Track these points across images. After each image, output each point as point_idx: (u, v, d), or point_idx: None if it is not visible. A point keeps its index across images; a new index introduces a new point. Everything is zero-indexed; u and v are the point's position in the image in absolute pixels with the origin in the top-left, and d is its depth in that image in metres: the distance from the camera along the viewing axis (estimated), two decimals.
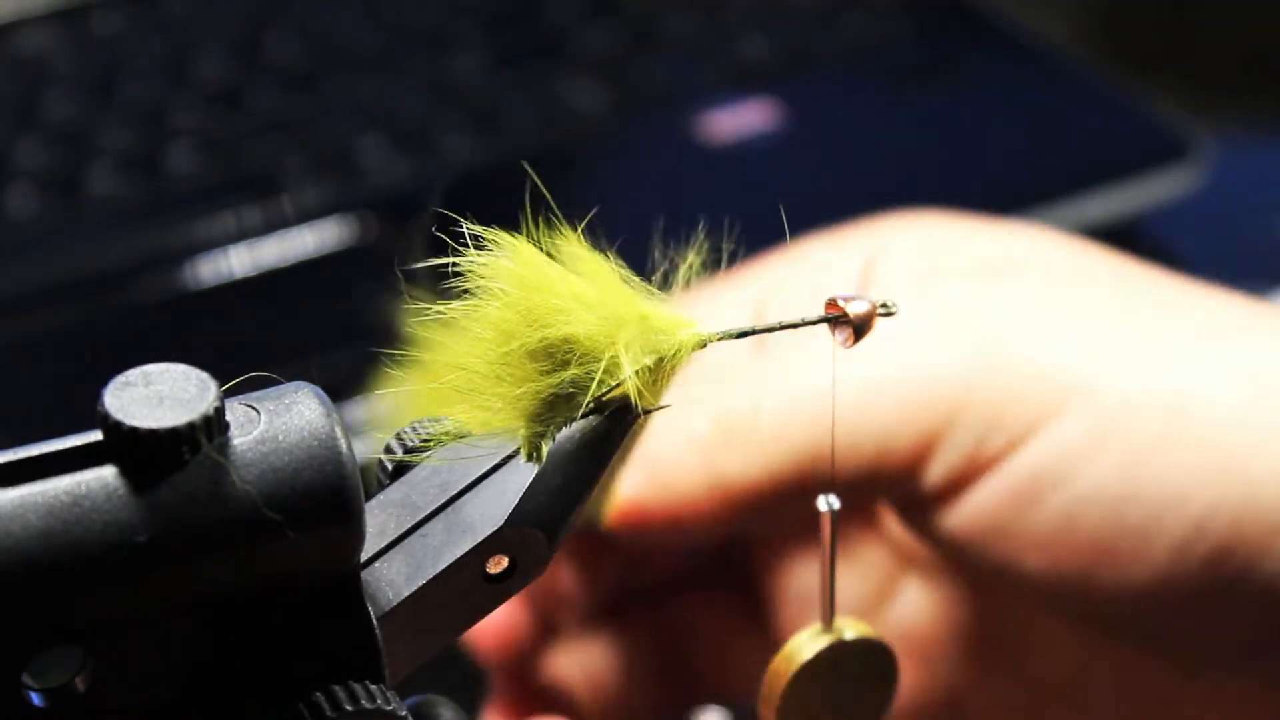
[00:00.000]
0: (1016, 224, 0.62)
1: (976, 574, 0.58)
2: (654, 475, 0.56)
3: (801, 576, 0.62)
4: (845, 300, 0.45)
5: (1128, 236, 0.96)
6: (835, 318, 0.45)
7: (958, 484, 0.55)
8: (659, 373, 0.44)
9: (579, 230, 0.44)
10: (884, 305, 0.45)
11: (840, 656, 0.50)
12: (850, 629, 0.50)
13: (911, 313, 0.54)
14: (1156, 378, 0.54)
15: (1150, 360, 0.54)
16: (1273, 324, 0.56)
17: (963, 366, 0.54)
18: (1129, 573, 0.53)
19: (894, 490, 0.56)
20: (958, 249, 0.59)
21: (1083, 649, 0.59)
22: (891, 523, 0.60)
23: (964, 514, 0.55)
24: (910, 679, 0.59)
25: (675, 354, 0.44)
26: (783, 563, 0.63)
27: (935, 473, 0.55)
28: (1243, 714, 0.57)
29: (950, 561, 0.59)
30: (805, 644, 0.50)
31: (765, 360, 0.57)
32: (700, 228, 0.46)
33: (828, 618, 0.50)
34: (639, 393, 0.44)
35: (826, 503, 0.49)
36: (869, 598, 0.61)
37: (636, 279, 0.45)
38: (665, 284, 0.45)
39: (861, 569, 0.61)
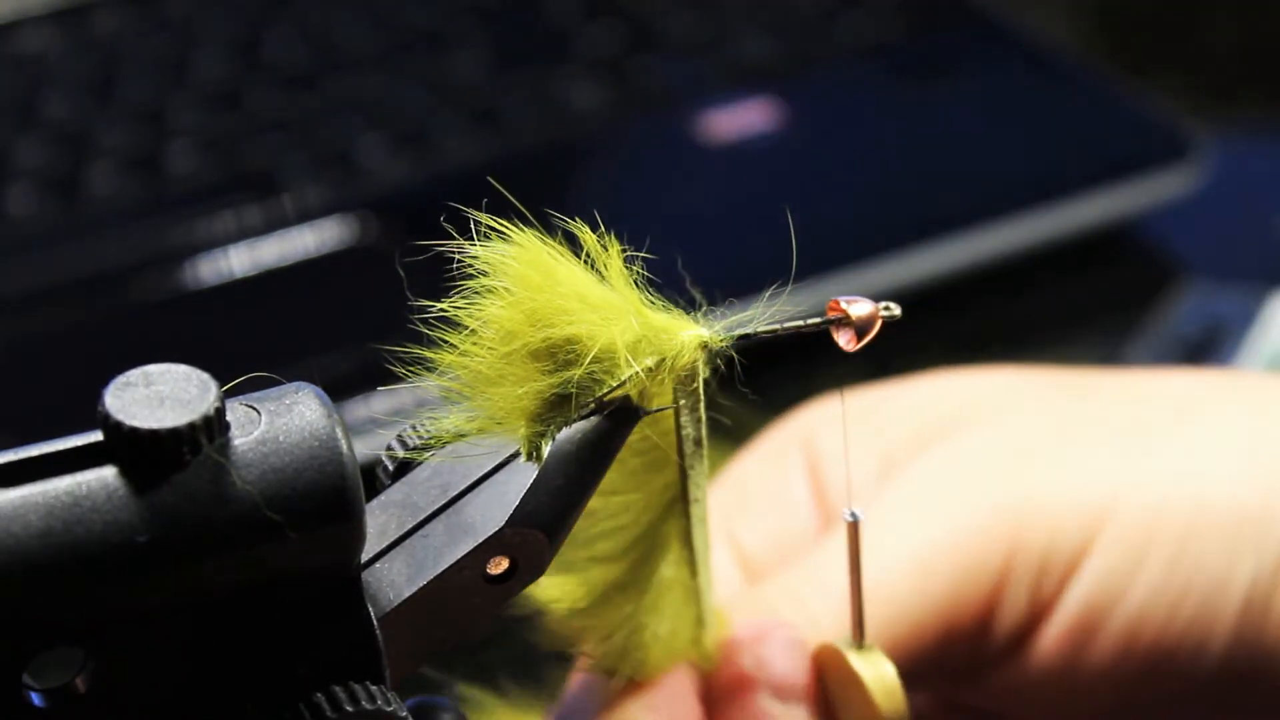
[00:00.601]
0: (974, 371, 0.62)
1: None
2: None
3: None
4: (848, 302, 0.45)
5: (1128, 236, 0.96)
6: (838, 320, 0.45)
7: (1022, 636, 0.55)
8: (661, 373, 0.44)
9: (583, 229, 0.44)
10: (886, 307, 0.45)
11: (848, 678, 0.51)
12: (876, 668, 0.50)
13: (923, 476, 0.55)
14: (1168, 478, 0.55)
15: (1149, 462, 0.55)
16: (1232, 391, 0.58)
17: (995, 522, 0.54)
18: (1193, 667, 0.54)
19: (962, 658, 0.55)
20: (941, 404, 0.59)
21: None
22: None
23: (1031, 662, 0.55)
24: None
25: (677, 355, 0.44)
26: None
27: (1000, 632, 0.55)
28: None
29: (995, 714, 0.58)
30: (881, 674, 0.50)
31: (801, 567, 0.55)
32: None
33: (859, 633, 0.50)
34: (640, 393, 0.44)
35: (851, 513, 0.49)
36: None
37: (639, 279, 0.45)
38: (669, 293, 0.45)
39: None
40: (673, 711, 0.50)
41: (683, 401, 0.45)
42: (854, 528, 0.49)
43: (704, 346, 0.44)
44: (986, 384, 0.60)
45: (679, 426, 0.46)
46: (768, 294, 0.45)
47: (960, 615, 0.54)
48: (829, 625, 0.52)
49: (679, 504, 0.48)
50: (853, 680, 0.50)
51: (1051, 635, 0.55)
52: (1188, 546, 0.54)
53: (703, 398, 0.46)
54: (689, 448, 0.46)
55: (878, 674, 0.50)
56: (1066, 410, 0.58)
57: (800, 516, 0.58)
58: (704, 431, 0.47)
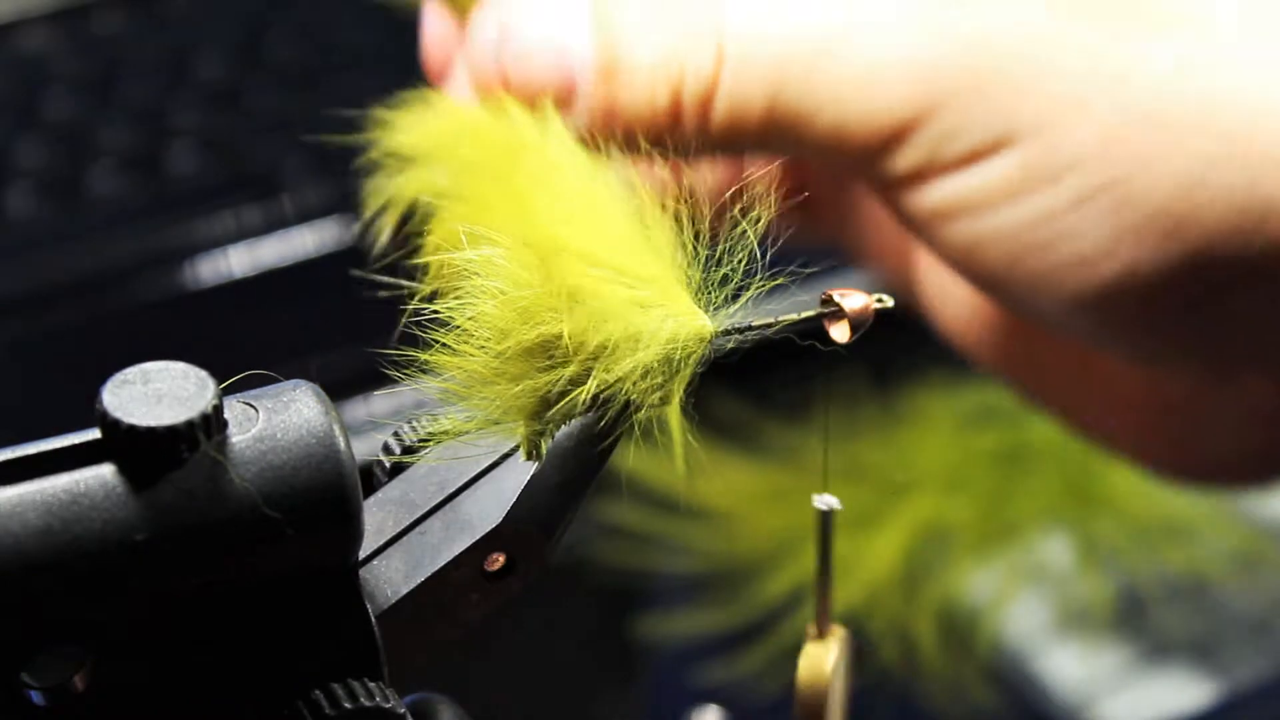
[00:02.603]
0: None
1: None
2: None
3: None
4: (841, 295, 0.45)
5: None
6: (832, 311, 0.45)
7: (913, 178, 0.54)
8: (661, 368, 0.44)
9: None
10: (880, 298, 0.45)
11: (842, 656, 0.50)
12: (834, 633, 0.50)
13: None
14: (1139, 90, 0.52)
15: (1122, 65, 0.52)
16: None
17: (946, 62, 0.52)
18: (1059, 289, 0.53)
19: (858, 165, 0.54)
20: None
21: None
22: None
23: (922, 202, 0.54)
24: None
25: (678, 352, 0.44)
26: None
27: (899, 163, 0.53)
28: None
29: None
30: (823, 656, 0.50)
31: None
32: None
33: (824, 622, 0.50)
34: (638, 389, 0.44)
35: (824, 502, 0.49)
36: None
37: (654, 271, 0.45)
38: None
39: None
40: None
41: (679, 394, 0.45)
42: (826, 517, 0.49)
43: (704, 341, 0.44)
44: None
45: (677, 424, 0.46)
46: (762, 287, 0.45)
47: (868, 122, 0.52)
48: None
49: None
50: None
51: (923, 198, 0.54)
52: (1080, 208, 0.52)
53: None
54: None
55: (813, 661, 0.50)
56: None
57: None
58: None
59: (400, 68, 1.03)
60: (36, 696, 0.39)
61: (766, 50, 0.53)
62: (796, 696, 0.50)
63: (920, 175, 0.53)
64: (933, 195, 0.54)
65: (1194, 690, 0.76)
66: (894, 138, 0.53)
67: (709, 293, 0.45)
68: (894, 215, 0.56)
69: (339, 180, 0.96)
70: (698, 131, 0.53)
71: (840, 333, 0.45)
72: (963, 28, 0.52)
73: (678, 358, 0.44)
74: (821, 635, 0.50)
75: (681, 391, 0.44)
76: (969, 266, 0.55)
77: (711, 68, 0.53)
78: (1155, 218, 0.52)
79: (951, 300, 0.64)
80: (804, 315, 0.45)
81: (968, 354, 0.65)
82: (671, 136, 0.52)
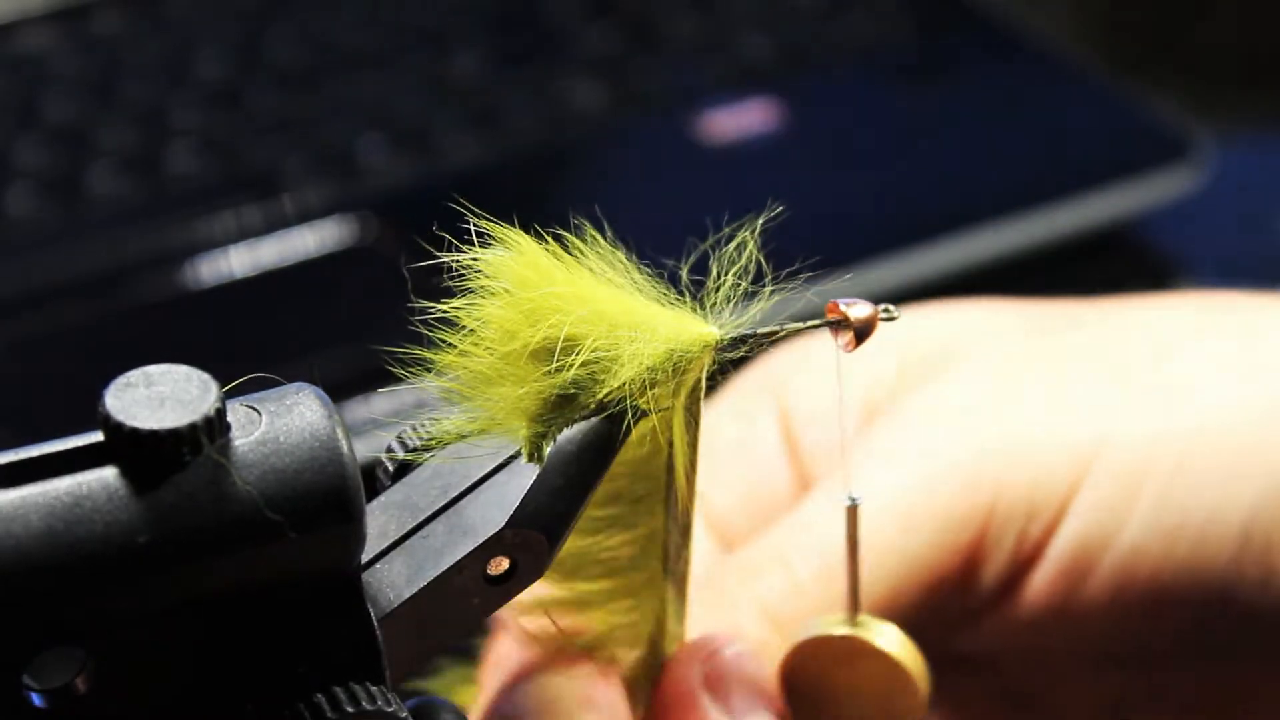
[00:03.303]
0: (954, 306, 0.61)
1: (1023, 665, 0.57)
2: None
3: None
4: (847, 304, 0.45)
5: (1127, 237, 0.96)
6: (837, 321, 0.45)
7: (1010, 583, 0.54)
8: (664, 373, 0.44)
9: (587, 229, 0.44)
10: (885, 309, 0.45)
11: (857, 654, 0.50)
12: (883, 634, 0.50)
13: (903, 423, 0.55)
14: (1157, 411, 0.54)
15: (1138, 396, 0.54)
16: (1217, 315, 0.56)
17: (975, 471, 0.54)
18: (1189, 601, 0.54)
19: (949, 608, 0.55)
20: (921, 344, 0.58)
21: (1125, 681, 0.58)
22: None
23: (1021, 607, 0.54)
24: None
25: (682, 354, 0.44)
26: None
27: (987, 580, 0.54)
28: None
29: (984, 656, 0.58)
30: (828, 624, 0.50)
31: (782, 529, 0.55)
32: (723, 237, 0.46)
33: (854, 608, 0.50)
34: (641, 393, 0.44)
35: (850, 498, 0.49)
36: None
37: (644, 278, 0.45)
38: (675, 285, 0.45)
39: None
40: (612, 713, 0.49)
41: (685, 403, 0.45)
42: (853, 512, 0.49)
43: (709, 346, 0.44)
44: (966, 319, 0.59)
45: (680, 430, 0.46)
46: (766, 294, 0.45)
47: (943, 567, 0.53)
48: (815, 590, 0.52)
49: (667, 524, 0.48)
50: (860, 654, 0.50)
51: (1042, 579, 0.54)
52: (1180, 479, 0.53)
53: (702, 401, 0.46)
54: (681, 462, 0.46)
55: (892, 640, 0.50)
56: (1049, 348, 0.57)
57: (773, 473, 0.58)
58: (698, 445, 0.46)
59: (400, 68, 1.04)
60: (38, 699, 0.39)
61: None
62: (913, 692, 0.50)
63: (1026, 556, 0.54)
64: (1050, 564, 0.54)
65: None
66: (969, 559, 0.54)
67: (713, 302, 0.45)
68: (1001, 633, 0.56)
69: (339, 180, 0.96)
70: None
71: (845, 343, 0.45)
72: (984, 420, 0.55)
73: (682, 363, 0.44)
74: (853, 621, 0.50)
75: (685, 397, 0.44)
76: (1129, 596, 0.54)
77: None
78: (1242, 460, 0.54)
79: None
80: (809, 324, 0.45)
81: None
82: None
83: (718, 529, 0.57)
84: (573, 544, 0.46)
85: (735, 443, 0.58)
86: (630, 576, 0.48)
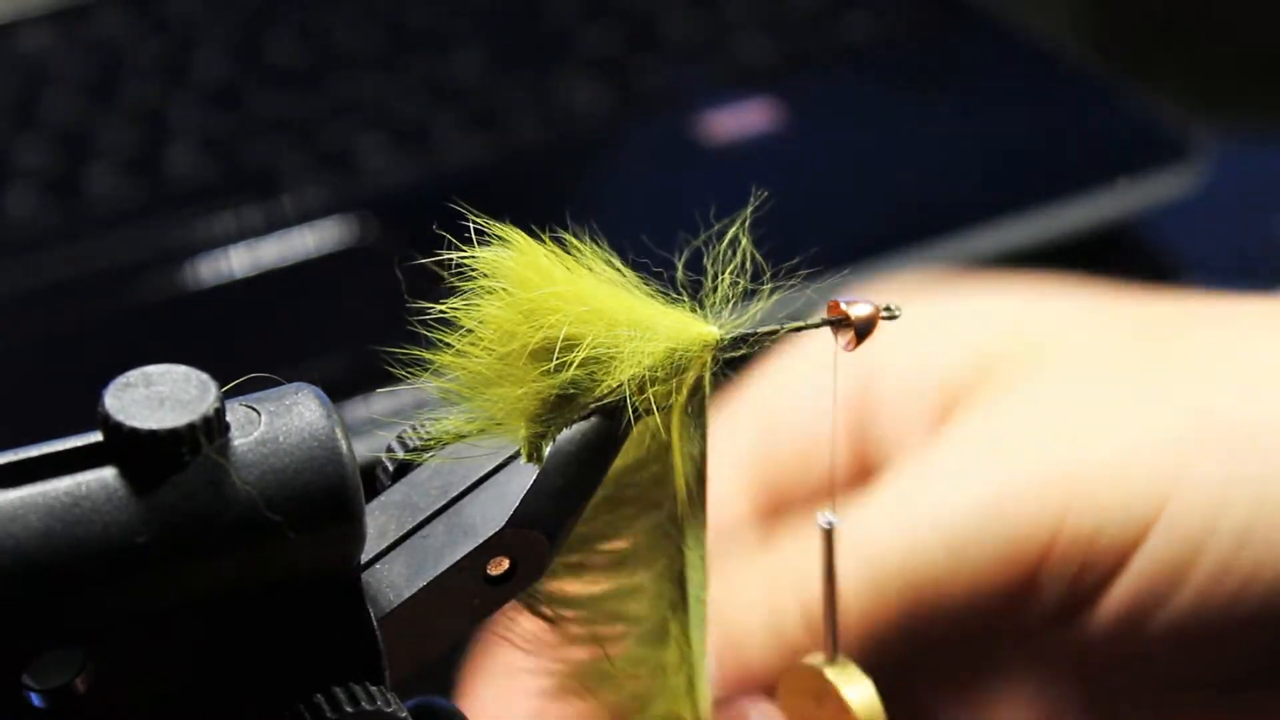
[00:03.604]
0: (1039, 293, 0.60)
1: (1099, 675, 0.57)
2: (747, 680, 0.54)
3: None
4: (848, 303, 0.45)
5: (1128, 237, 0.96)
6: (838, 320, 0.45)
7: (1068, 613, 0.54)
8: (664, 372, 0.44)
9: (586, 230, 0.44)
10: (887, 308, 0.45)
11: (827, 694, 0.50)
12: (853, 683, 0.50)
13: (967, 439, 0.54)
14: (1240, 455, 0.52)
15: (1222, 433, 0.53)
16: None
17: (1042, 495, 0.53)
18: (1259, 636, 0.53)
19: (997, 626, 0.55)
20: (1000, 334, 0.57)
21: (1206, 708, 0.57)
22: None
23: (1082, 636, 0.54)
24: None
25: (682, 354, 0.44)
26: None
27: (1043, 602, 0.54)
28: None
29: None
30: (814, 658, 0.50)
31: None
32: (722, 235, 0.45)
33: (831, 647, 0.50)
34: (641, 394, 0.44)
35: (827, 520, 0.48)
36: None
37: (644, 279, 0.45)
38: (674, 286, 0.45)
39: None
40: None
41: (686, 404, 0.45)
42: (829, 535, 0.49)
43: (710, 346, 0.44)
44: (1058, 313, 0.58)
45: (679, 430, 0.45)
46: (766, 294, 0.45)
47: (992, 587, 0.53)
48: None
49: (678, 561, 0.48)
50: (830, 696, 0.50)
51: (1100, 620, 0.53)
52: (1252, 536, 0.52)
53: (706, 408, 0.45)
54: (689, 483, 0.46)
55: (862, 694, 0.49)
56: (1132, 357, 0.55)
57: (826, 437, 0.57)
58: (705, 461, 0.46)
59: (400, 68, 1.04)
60: (37, 699, 0.39)
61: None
62: None
63: (1081, 600, 0.53)
64: (1119, 599, 0.53)
65: None
66: (1024, 584, 0.53)
67: (713, 301, 0.45)
68: (1060, 655, 0.55)
69: (339, 180, 0.96)
70: None
71: (847, 342, 0.45)
72: (1046, 450, 0.53)
73: (682, 362, 0.44)
74: (829, 659, 0.50)
75: (685, 396, 0.44)
76: (1192, 635, 0.53)
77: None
78: None
79: None
80: (809, 323, 0.45)
81: None
82: None
83: (768, 498, 0.57)
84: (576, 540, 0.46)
85: (799, 406, 0.58)
86: (634, 577, 0.48)
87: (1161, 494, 0.52)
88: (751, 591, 0.54)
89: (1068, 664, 0.56)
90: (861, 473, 0.58)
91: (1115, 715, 0.57)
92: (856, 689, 0.49)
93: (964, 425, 0.55)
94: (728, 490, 0.58)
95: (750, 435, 0.59)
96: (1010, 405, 0.55)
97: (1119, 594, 0.53)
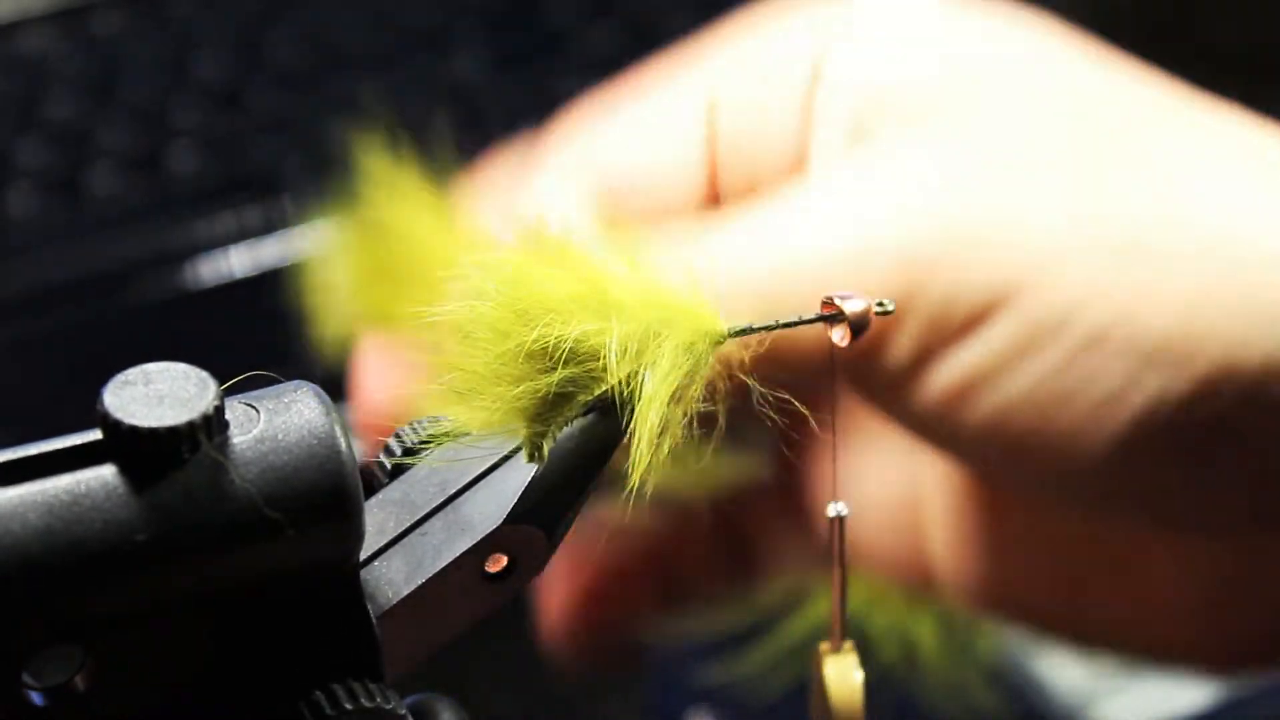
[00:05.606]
0: (989, 11, 0.57)
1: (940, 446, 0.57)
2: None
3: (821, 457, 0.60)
4: (842, 299, 0.45)
5: None
6: (832, 316, 0.45)
7: (916, 365, 0.53)
8: (665, 370, 0.44)
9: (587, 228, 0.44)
10: (880, 304, 0.45)
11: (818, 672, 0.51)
12: (840, 666, 0.50)
13: (860, 167, 0.53)
14: (1105, 261, 0.51)
15: (1098, 233, 0.52)
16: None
17: (908, 251, 0.52)
18: (1067, 464, 0.52)
19: (853, 370, 0.54)
20: (907, 69, 0.55)
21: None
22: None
23: (920, 398, 0.53)
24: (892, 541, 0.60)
25: (685, 349, 0.44)
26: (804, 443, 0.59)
27: (895, 354, 0.53)
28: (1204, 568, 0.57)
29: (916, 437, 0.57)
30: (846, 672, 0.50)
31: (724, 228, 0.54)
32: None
33: (840, 633, 0.50)
34: (639, 393, 0.44)
35: (835, 508, 0.49)
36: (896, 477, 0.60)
37: (645, 275, 0.45)
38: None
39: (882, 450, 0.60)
40: None
41: (689, 397, 0.45)
42: (838, 523, 0.49)
43: (717, 343, 0.44)
44: (1008, 50, 0.56)
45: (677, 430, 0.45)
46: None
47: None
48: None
49: None
50: (821, 680, 0.50)
51: (931, 385, 0.53)
52: (1094, 349, 0.51)
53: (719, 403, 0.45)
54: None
55: (842, 676, 0.49)
56: (1056, 138, 0.54)
57: (783, 131, 0.56)
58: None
59: (400, 68, 1.04)
60: (37, 697, 0.39)
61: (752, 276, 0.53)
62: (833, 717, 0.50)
63: (921, 360, 0.53)
64: (941, 378, 0.53)
65: (1194, 691, 0.76)
66: (883, 328, 0.53)
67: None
68: (898, 419, 0.55)
69: (339, 180, 0.96)
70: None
71: (841, 337, 0.45)
72: (931, 204, 0.52)
73: (684, 359, 0.44)
74: (836, 647, 0.50)
75: (688, 392, 0.44)
76: (999, 440, 0.53)
77: None
78: (1162, 349, 0.51)
79: (970, 559, 0.62)
80: (805, 319, 0.45)
81: (992, 614, 0.64)
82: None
83: (714, 152, 0.57)
84: None
85: (763, 64, 0.57)
86: None
87: (1015, 283, 0.52)
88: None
89: (912, 427, 0.56)
90: (796, 162, 0.57)
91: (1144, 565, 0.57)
92: (838, 669, 0.50)
93: (865, 150, 0.54)
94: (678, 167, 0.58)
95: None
96: (918, 139, 0.54)
97: (954, 364, 0.53)
